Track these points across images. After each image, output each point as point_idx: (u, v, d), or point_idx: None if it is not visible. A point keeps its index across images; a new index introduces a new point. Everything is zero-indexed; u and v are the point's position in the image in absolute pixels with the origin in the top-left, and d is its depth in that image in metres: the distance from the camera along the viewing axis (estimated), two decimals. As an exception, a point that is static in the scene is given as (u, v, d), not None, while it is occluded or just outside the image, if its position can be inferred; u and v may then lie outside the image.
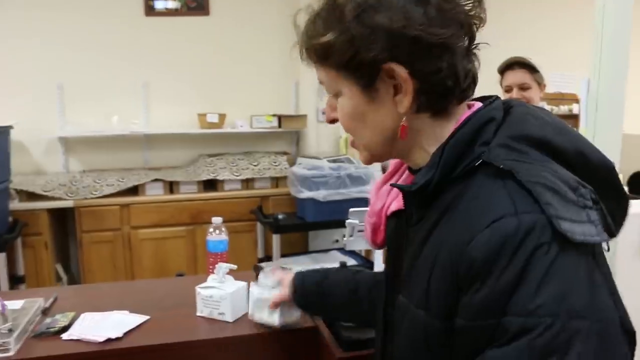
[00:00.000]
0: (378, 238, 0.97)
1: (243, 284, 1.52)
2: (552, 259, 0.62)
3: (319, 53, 0.79)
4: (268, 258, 4.02)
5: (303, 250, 4.17)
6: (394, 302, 0.84)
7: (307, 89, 4.56)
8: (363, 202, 2.77)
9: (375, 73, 0.75)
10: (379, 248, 0.98)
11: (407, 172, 0.90)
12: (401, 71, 0.74)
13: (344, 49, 0.75)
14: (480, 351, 0.65)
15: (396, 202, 0.89)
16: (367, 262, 3.09)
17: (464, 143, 0.74)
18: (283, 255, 3.81)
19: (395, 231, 0.90)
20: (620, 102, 2.11)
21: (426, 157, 0.78)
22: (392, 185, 0.88)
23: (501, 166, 0.69)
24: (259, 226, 4.09)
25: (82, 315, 1.49)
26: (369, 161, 0.86)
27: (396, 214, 0.90)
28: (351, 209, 1.62)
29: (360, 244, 1.67)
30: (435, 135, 0.79)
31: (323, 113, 4.39)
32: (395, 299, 0.84)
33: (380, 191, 0.96)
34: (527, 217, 0.64)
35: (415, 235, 0.79)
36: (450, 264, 0.69)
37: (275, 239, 3.75)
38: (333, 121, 0.86)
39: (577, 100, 4.75)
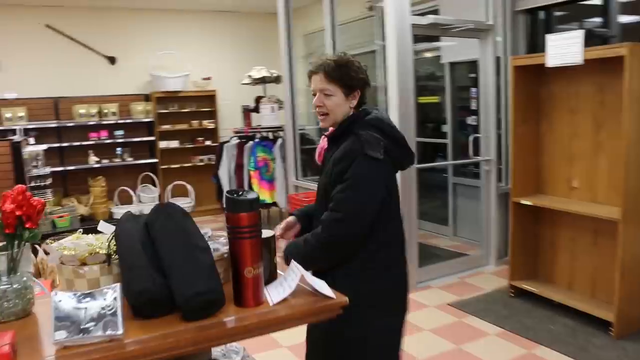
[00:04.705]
0: (319, 159, 2.22)
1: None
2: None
3: (334, 74, 2.01)
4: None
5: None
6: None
7: None
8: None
9: (352, 90, 2.05)
10: (320, 163, 2.21)
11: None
12: (358, 91, 2.07)
13: (348, 77, 2.02)
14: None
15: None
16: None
17: (347, 122, 2.05)
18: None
19: (325, 155, 2.16)
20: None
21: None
22: (326, 136, 2.15)
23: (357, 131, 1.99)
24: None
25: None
26: (331, 127, 2.10)
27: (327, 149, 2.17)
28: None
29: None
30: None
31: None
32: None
33: (323, 139, 2.22)
34: (356, 145, 1.94)
35: (329, 155, 2.07)
36: (332, 163, 2.00)
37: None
38: (319, 107, 2.06)
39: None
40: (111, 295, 1.23)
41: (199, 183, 8.55)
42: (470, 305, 4.52)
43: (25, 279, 1.43)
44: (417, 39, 5.65)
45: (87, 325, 1.20)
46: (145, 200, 8.39)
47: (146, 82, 8.47)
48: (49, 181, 5.93)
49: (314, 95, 2.06)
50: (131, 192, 7.98)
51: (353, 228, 1.92)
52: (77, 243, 1.44)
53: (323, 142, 2.22)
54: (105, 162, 8.07)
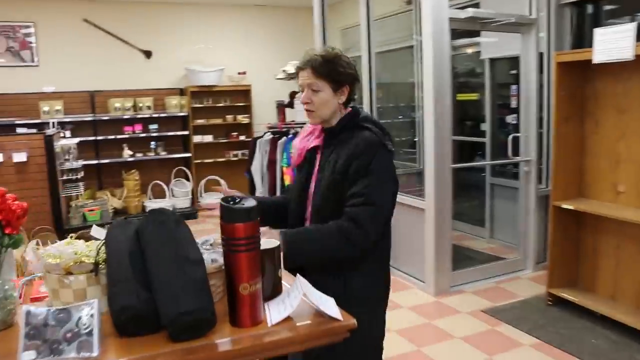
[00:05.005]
0: (299, 160, 2.14)
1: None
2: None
3: (322, 70, 1.94)
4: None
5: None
6: (307, 189, 2.04)
7: None
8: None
9: (341, 85, 1.97)
10: (296, 166, 2.16)
11: (319, 132, 2.09)
12: (347, 87, 1.99)
13: (336, 72, 1.95)
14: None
15: (314, 142, 2.09)
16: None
17: (348, 118, 2.00)
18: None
19: (311, 155, 2.08)
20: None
21: (335, 121, 2.01)
22: (323, 130, 2.07)
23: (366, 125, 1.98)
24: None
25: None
26: (318, 123, 2.05)
27: (312, 149, 2.09)
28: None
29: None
30: (341, 113, 2.01)
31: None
32: (307, 186, 2.05)
33: (302, 139, 2.15)
34: (375, 137, 1.92)
35: (328, 153, 1.99)
36: (345, 158, 1.89)
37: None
38: (306, 103, 1.97)
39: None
40: (87, 312, 1.12)
41: (233, 178, 8.53)
42: (504, 313, 4.31)
43: (6, 287, 1.33)
44: (457, 33, 5.43)
45: (59, 346, 1.08)
46: (178, 194, 8.41)
47: (181, 76, 8.46)
48: (81, 174, 5.94)
49: (302, 91, 1.99)
50: (164, 186, 8.02)
51: (384, 223, 1.94)
52: (63, 250, 1.33)
53: (305, 142, 2.14)
54: (139, 155, 8.11)
